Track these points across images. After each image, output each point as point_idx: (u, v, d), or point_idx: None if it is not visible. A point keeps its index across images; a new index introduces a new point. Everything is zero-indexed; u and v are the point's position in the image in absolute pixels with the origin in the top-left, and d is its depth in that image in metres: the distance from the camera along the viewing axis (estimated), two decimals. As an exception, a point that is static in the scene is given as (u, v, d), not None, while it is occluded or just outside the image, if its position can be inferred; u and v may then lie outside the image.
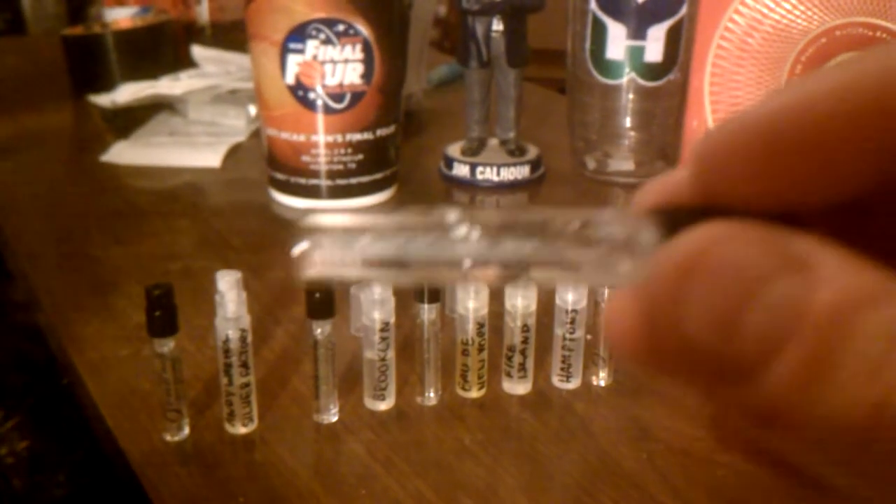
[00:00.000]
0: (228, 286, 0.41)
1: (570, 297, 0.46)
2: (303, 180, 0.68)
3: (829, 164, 0.15)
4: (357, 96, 0.66)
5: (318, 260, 0.17)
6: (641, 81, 0.74)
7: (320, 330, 0.42)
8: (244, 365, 0.42)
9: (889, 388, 0.13)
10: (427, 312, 0.44)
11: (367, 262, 0.17)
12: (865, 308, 0.13)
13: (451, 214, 0.17)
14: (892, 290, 0.13)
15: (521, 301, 0.45)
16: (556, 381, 0.48)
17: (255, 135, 0.86)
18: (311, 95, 0.65)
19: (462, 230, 0.17)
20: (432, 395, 0.46)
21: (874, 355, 0.13)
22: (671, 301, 0.14)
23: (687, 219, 0.16)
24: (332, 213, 0.17)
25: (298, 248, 0.17)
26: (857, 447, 0.13)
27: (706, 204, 0.16)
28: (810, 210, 0.16)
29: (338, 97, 0.65)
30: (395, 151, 0.71)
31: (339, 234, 0.17)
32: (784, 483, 0.16)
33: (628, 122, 0.76)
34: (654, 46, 0.73)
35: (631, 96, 0.75)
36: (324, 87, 0.65)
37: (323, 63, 0.64)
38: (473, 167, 0.75)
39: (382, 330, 0.44)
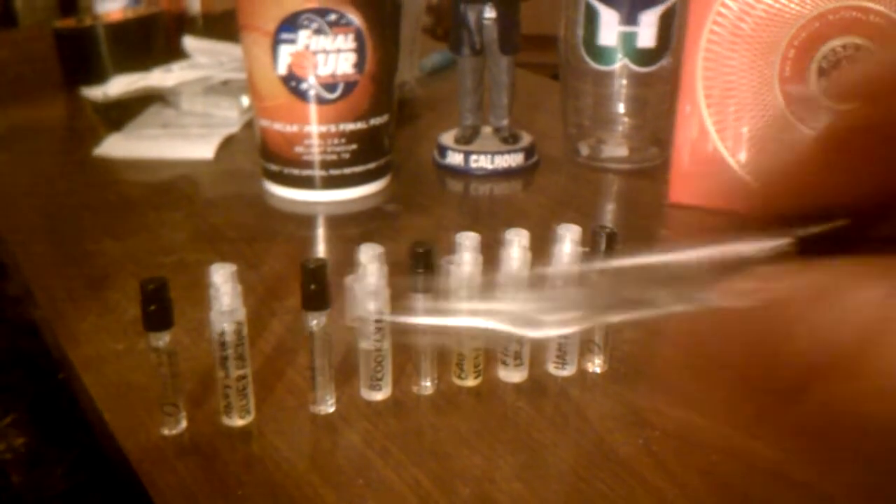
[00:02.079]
0: (223, 279, 0.41)
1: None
2: (296, 171, 0.68)
3: (843, 182, 0.21)
4: (350, 86, 0.65)
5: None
6: (634, 67, 0.73)
7: (316, 321, 0.43)
8: (240, 357, 0.42)
9: None
10: (422, 302, 0.44)
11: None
12: None
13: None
14: None
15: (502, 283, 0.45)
16: (552, 368, 0.48)
17: (249, 126, 0.85)
18: (304, 86, 0.65)
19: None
20: (428, 384, 0.46)
21: None
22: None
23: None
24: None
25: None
26: None
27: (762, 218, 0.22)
28: (844, 209, 0.21)
29: (330, 87, 0.65)
30: (389, 140, 0.71)
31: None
32: None
33: (621, 108, 0.76)
34: (647, 32, 0.73)
35: (624, 82, 0.75)
36: (316, 77, 0.65)
37: (315, 53, 0.64)
38: (467, 155, 0.75)
39: (378, 321, 0.44)
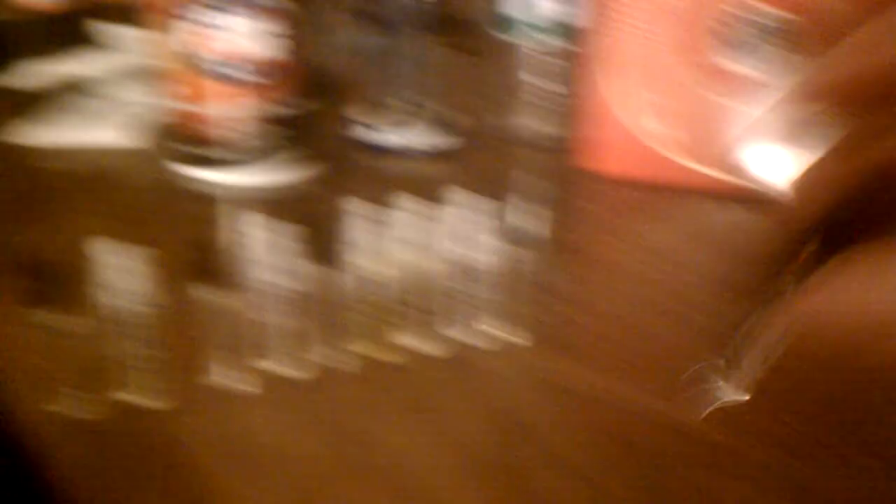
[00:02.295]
0: (121, 258, 0.41)
1: (474, 253, 0.46)
2: (209, 153, 0.67)
3: None
4: (261, 66, 0.65)
5: None
6: (554, 42, 0.74)
7: (213, 296, 0.42)
8: (141, 336, 0.42)
9: None
10: (327, 273, 0.44)
11: None
12: None
13: None
14: None
15: (416, 256, 0.45)
16: (460, 335, 0.48)
17: (165, 110, 0.84)
18: (213, 66, 0.64)
19: None
20: (342, 357, 0.46)
21: None
22: None
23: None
24: None
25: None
26: None
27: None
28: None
29: (242, 68, 0.64)
30: (304, 121, 0.70)
31: None
32: None
33: (542, 83, 0.77)
34: (564, 6, 0.73)
35: (544, 57, 0.75)
36: (227, 57, 0.64)
37: (225, 33, 0.63)
38: (381, 132, 0.74)
39: (284, 294, 0.43)
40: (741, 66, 0.63)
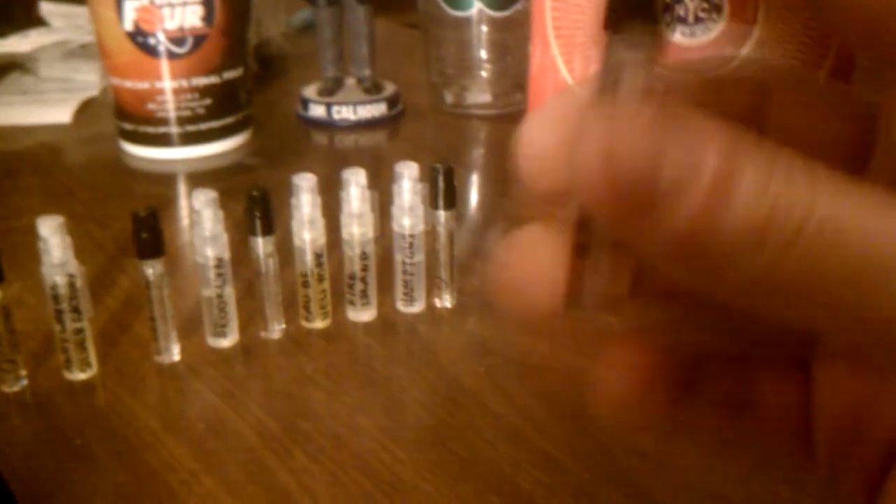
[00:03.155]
0: (51, 231, 0.41)
1: (407, 222, 0.46)
2: (151, 129, 0.66)
3: None
4: (199, 39, 0.64)
5: None
6: (490, 12, 0.74)
7: (151, 270, 0.42)
8: (76, 310, 0.42)
9: (774, 204, 0.15)
10: (262, 246, 0.44)
11: None
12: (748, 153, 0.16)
13: None
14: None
15: (357, 229, 0.46)
16: (400, 306, 0.48)
17: (108, 87, 0.84)
18: (152, 41, 0.64)
19: None
20: (276, 328, 0.46)
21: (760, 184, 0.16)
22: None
23: None
24: None
25: None
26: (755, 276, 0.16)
27: None
28: None
29: (179, 41, 0.64)
30: (247, 95, 0.70)
31: None
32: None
33: (483, 54, 0.77)
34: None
35: (484, 28, 0.75)
36: (164, 31, 0.63)
37: (161, 6, 0.63)
38: (329, 107, 0.75)
39: (217, 266, 0.44)
40: (689, 40, 0.64)
